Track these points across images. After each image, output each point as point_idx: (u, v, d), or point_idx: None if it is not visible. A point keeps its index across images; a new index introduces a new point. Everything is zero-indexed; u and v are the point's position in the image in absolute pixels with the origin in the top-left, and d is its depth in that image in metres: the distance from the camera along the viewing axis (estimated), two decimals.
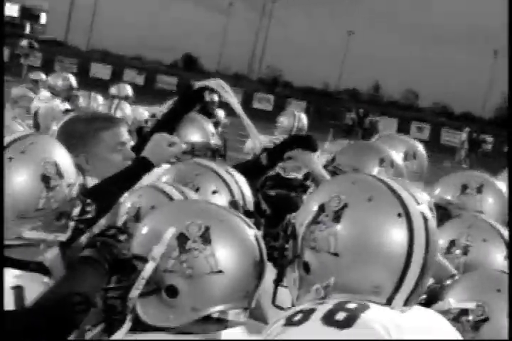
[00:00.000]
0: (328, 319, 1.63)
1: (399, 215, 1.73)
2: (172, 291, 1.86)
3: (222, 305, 1.88)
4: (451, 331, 1.85)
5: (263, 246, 1.96)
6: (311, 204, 1.83)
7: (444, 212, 3.18)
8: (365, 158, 3.34)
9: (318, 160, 3.15)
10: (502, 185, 3.47)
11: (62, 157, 2.14)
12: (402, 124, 40.02)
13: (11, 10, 77.33)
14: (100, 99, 7.04)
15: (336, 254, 1.72)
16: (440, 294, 2.27)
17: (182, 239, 1.87)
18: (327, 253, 1.73)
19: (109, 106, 6.13)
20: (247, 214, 2.28)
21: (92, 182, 2.58)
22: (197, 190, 2.51)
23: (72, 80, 8.39)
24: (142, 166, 2.65)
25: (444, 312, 2.04)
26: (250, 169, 2.83)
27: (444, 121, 53.04)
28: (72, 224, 2.13)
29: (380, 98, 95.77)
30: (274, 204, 2.83)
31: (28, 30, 74.29)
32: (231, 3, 78.87)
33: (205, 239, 1.87)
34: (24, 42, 31.33)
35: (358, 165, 3.28)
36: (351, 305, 1.67)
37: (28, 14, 77.05)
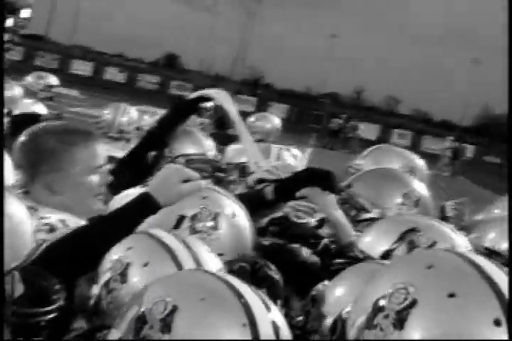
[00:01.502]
0: None
1: (497, 323, 1.13)
2: None
3: None
4: None
5: None
6: (369, 294, 1.28)
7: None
8: (387, 191, 2.88)
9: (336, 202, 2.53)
10: None
11: None
12: (384, 131, 40.23)
13: None
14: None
15: None
16: None
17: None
18: None
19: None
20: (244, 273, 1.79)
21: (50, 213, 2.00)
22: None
23: (52, 79, 7.27)
24: (144, 207, 1.89)
25: None
26: (252, 202, 2.24)
27: (424, 128, 53.24)
28: None
29: (361, 103, 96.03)
30: (266, 258, 2.05)
31: (10, 23, 73.56)
32: (215, 3, 78.51)
33: None
34: (5, 37, 30.95)
35: (377, 198, 2.84)
36: None
37: (11, 8, 76.36)
